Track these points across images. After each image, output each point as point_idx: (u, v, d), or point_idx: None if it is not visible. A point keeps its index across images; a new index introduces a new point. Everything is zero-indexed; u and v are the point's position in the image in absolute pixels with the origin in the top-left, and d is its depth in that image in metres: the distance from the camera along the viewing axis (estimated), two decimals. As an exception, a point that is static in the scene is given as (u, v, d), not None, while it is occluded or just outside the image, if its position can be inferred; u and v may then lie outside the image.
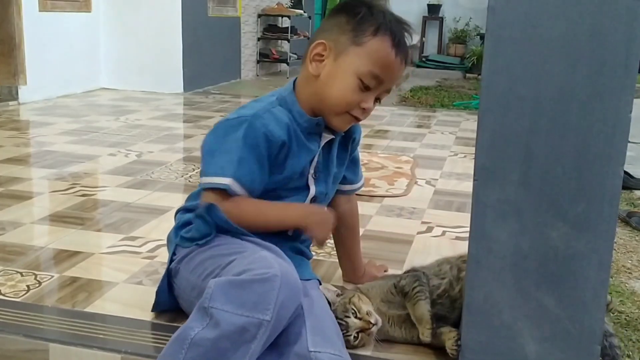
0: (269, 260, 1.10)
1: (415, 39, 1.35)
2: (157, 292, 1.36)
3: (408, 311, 1.30)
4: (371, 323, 1.26)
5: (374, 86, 1.30)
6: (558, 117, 1.06)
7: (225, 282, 1.06)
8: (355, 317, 1.27)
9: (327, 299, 1.31)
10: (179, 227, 1.35)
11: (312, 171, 1.37)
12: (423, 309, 1.27)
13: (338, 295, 1.34)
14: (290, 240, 1.38)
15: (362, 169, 1.61)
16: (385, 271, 1.66)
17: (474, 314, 1.17)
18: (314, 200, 1.39)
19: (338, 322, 1.26)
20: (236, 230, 1.26)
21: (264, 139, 1.26)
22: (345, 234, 1.58)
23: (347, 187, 1.54)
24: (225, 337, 1.03)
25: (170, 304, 1.36)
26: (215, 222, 1.26)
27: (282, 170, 1.32)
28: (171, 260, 1.32)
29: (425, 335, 1.25)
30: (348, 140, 1.45)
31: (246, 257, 1.15)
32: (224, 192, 1.25)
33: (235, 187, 1.25)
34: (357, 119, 1.34)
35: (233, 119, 1.29)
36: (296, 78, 1.39)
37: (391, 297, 1.33)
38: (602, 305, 1.11)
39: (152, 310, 1.39)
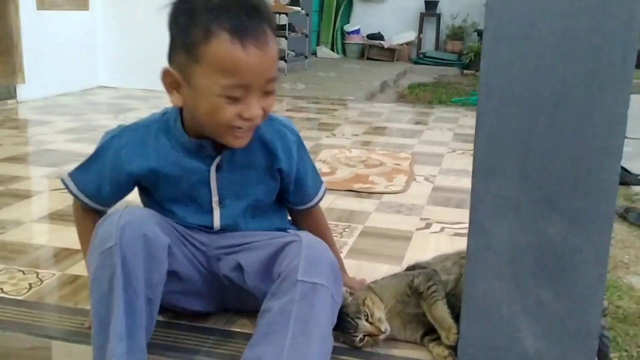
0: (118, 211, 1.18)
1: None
2: None
3: (420, 311, 1.29)
4: (381, 331, 1.26)
5: (242, 93, 1.10)
6: (556, 114, 1.07)
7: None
8: (367, 320, 1.27)
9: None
10: None
11: (215, 197, 1.27)
12: (442, 310, 1.26)
13: (350, 293, 1.32)
14: None
15: (361, 165, 1.58)
16: None
17: (473, 308, 1.18)
18: (223, 230, 1.29)
19: (348, 321, 1.26)
20: None
21: (112, 160, 1.24)
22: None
23: (298, 208, 1.40)
24: (97, 286, 1.11)
25: None
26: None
27: (162, 195, 1.27)
28: None
29: (452, 340, 1.21)
30: (270, 158, 1.28)
31: None
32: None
33: (68, 181, 1.30)
34: (247, 129, 1.16)
35: (108, 132, 1.28)
36: None
37: (406, 298, 1.32)
38: (599, 300, 1.12)
39: None
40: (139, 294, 1.11)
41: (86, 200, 1.30)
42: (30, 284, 1.53)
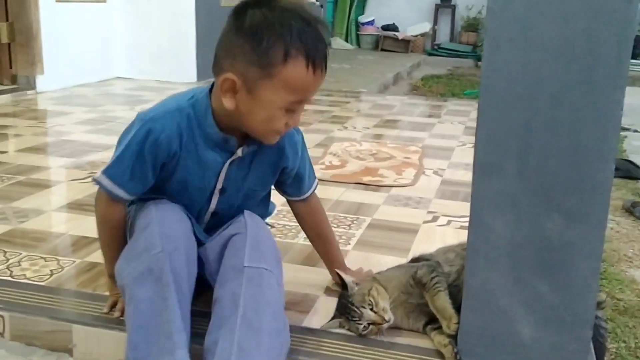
0: (148, 212, 1.27)
1: (327, 32, 1.26)
2: None
3: (423, 301, 1.34)
4: (385, 320, 1.31)
5: (297, 108, 1.24)
6: (553, 114, 1.11)
7: (123, 252, 1.25)
8: (371, 309, 1.32)
9: (346, 283, 1.37)
10: None
11: (219, 186, 1.35)
12: (443, 300, 1.30)
13: (356, 283, 1.38)
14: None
15: (371, 159, 1.64)
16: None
17: (472, 299, 1.24)
18: (214, 215, 1.39)
19: (353, 310, 1.32)
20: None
21: (150, 146, 1.25)
22: (311, 233, 1.56)
23: (293, 198, 1.50)
24: (143, 289, 1.16)
25: None
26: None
27: (170, 180, 1.32)
28: None
29: (452, 329, 1.26)
30: (279, 157, 1.38)
31: (137, 218, 1.31)
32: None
33: (104, 180, 1.29)
34: (287, 131, 1.29)
35: (137, 117, 1.28)
36: (214, 82, 1.28)
37: (410, 289, 1.37)
38: (593, 292, 1.17)
39: None
40: (186, 294, 1.20)
41: (121, 193, 1.29)
42: (51, 271, 1.60)
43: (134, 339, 1.14)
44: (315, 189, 1.51)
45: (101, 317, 1.38)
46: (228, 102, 1.22)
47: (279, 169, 1.40)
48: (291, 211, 1.55)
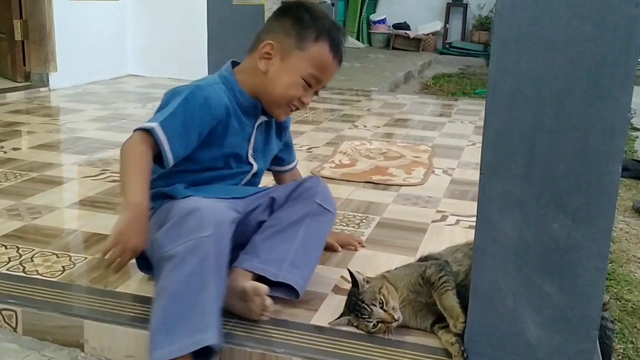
0: (192, 200, 1.35)
1: (346, 40, 1.58)
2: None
3: (432, 300, 1.35)
4: (394, 318, 1.33)
5: (314, 84, 1.51)
6: (560, 115, 1.12)
7: (166, 229, 1.30)
8: (381, 307, 1.33)
9: (356, 280, 1.38)
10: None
11: (250, 150, 1.56)
12: (451, 299, 1.31)
13: (366, 281, 1.39)
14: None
15: (381, 158, 1.71)
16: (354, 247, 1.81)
17: (479, 299, 1.24)
18: (255, 175, 1.60)
19: (364, 307, 1.33)
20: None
21: (202, 106, 1.41)
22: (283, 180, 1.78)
23: (286, 167, 1.76)
24: (184, 265, 1.22)
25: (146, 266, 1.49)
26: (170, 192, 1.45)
27: (221, 146, 1.49)
28: None
29: (459, 328, 1.27)
30: (281, 128, 1.66)
31: (173, 209, 1.35)
32: (147, 135, 1.35)
33: (159, 131, 1.35)
34: (296, 109, 1.54)
35: (182, 86, 1.45)
36: (233, 61, 1.57)
37: (419, 288, 1.38)
38: (600, 293, 1.18)
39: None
40: (223, 279, 1.29)
41: (167, 148, 1.36)
42: (63, 267, 1.62)
43: (166, 308, 1.21)
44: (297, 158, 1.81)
45: (112, 313, 1.40)
46: (262, 65, 1.49)
47: (283, 134, 1.68)
48: None
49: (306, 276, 1.47)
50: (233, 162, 1.54)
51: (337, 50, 1.51)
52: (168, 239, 1.27)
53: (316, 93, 1.55)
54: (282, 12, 1.54)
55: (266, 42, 1.49)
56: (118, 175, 1.45)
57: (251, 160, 1.57)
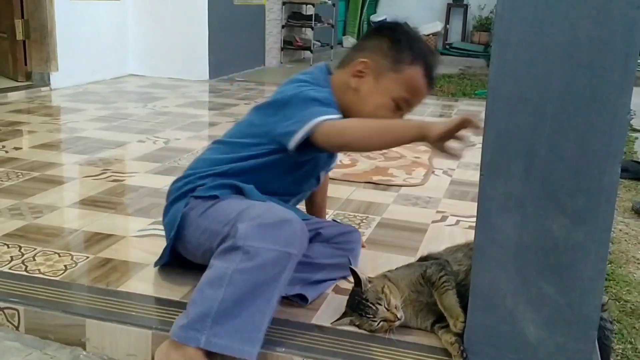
0: (280, 208, 1.35)
1: (439, 65, 1.57)
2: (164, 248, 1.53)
3: (432, 300, 1.36)
4: (397, 317, 1.34)
5: (403, 107, 1.50)
6: (560, 117, 1.12)
7: (256, 225, 1.25)
8: (385, 306, 1.34)
9: (360, 279, 1.39)
10: (188, 191, 1.48)
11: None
12: (451, 299, 1.32)
13: (369, 281, 1.40)
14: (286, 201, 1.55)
15: (381, 158, 1.74)
16: None
17: (479, 299, 1.25)
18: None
19: (368, 306, 1.34)
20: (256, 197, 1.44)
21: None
22: (316, 193, 1.80)
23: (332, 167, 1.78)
24: (261, 269, 1.22)
25: (171, 257, 1.52)
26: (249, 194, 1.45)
27: (317, 159, 1.54)
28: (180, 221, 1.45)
29: (458, 328, 1.28)
30: None
31: (257, 207, 1.35)
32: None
33: (324, 116, 1.38)
34: None
35: (306, 86, 1.47)
36: (327, 65, 1.58)
37: (420, 288, 1.39)
38: (599, 293, 1.18)
39: (155, 265, 1.58)
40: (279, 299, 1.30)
41: (334, 112, 1.40)
42: (65, 266, 1.63)
43: (226, 300, 1.21)
44: None
45: (114, 312, 1.41)
46: (354, 82, 1.49)
47: None
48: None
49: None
50: (314, 179, 1.60)
51: (430, 76, 1.50)
52: (252, 233, 1.25)
53: (401, 115, 1.52)
54: (378, 32, 1.54)
55: (360, 60, 1.49)
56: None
57: (321, 177, 1.64)
